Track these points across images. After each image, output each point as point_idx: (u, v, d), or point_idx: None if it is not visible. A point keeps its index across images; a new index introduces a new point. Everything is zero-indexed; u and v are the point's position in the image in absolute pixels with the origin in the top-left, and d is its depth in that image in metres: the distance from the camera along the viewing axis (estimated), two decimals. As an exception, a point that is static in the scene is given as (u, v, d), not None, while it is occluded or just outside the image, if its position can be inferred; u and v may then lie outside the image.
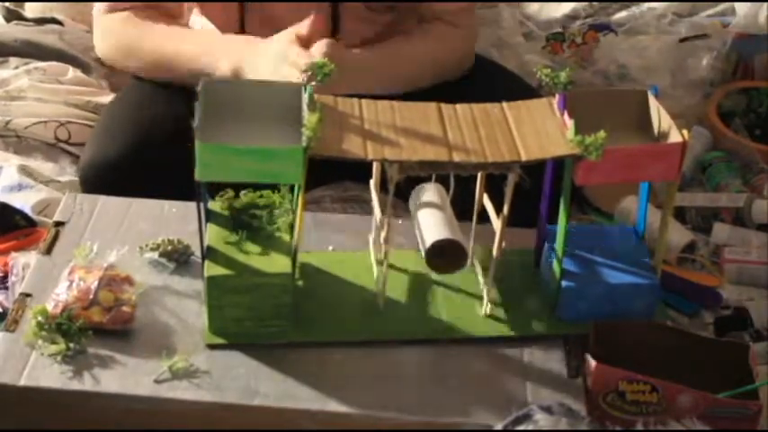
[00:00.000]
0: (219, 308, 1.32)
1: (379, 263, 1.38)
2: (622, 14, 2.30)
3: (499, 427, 1.22)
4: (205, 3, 1.79)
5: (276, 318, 1.34)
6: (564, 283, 1.36)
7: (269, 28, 1.71)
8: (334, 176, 1.84)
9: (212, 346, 1.33)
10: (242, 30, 1.75)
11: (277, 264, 1.33)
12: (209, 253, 1.34)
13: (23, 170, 1.85)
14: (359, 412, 1.26)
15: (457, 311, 1.39)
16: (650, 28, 2.26)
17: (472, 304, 1.40)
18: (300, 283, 1.40)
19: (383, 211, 1.36)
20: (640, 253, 1.41)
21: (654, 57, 2.18)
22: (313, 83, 1.30)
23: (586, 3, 2.31)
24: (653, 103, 1.36)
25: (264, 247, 1.35)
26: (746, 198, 1.88)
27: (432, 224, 1.37)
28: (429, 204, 1.41)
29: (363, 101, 1.35)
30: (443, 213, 1.39)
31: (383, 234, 1.33)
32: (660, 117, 1.34)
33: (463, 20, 1.80)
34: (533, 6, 2.32)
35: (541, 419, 1.21)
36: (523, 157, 1.28)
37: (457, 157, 1.27)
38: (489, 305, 1.38)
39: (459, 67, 1.81)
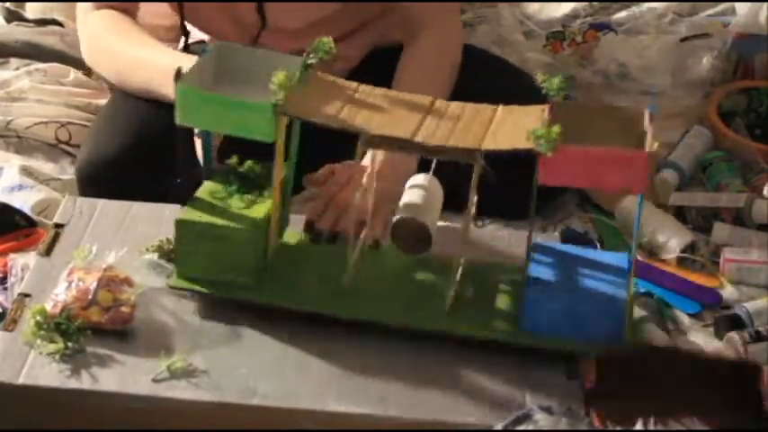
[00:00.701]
0: (186, 253, 1.38)
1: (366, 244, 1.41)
2: (622, 14, 2.29)
3: (499, 427, 1.22)
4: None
5: (240, 272, 1.37)
6: (526, 292, 1.34)
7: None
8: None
9: (174, 288, 1.38)
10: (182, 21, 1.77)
11: (247, 218, 1.38)
12: (191, 200, 1.40)
13: (24, 170, 1.85)
14: (358, 412, 1.26)
15: (425, 304, 1.39)
16: (650, 27, 2.25)
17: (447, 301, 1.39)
18: (284, 250, 1.44)
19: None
20: (621, 279, 1.36)
21: (654, 56, 2.17)
22: (314, 61, 1.35)
23: (586, 3, 2.31)
24: (647, 122, 1.32)
25: (247, 205, 1.40)
26: (747, 198, 1.87)
27: (406, 201, 1.40)
28: (415, 186, 1.43)
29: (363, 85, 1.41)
30: (424, 193, 1.40)
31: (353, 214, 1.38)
32: (648, 134, 1.30)
33: (451, 19, 1.80)
34: (533, 6, 2.32)
35: (541, 419, 1.21)
36: (483, 147, 1.29)
37: (419, 138, 1.30)
38: (451, 300, 1.37)
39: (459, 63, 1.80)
